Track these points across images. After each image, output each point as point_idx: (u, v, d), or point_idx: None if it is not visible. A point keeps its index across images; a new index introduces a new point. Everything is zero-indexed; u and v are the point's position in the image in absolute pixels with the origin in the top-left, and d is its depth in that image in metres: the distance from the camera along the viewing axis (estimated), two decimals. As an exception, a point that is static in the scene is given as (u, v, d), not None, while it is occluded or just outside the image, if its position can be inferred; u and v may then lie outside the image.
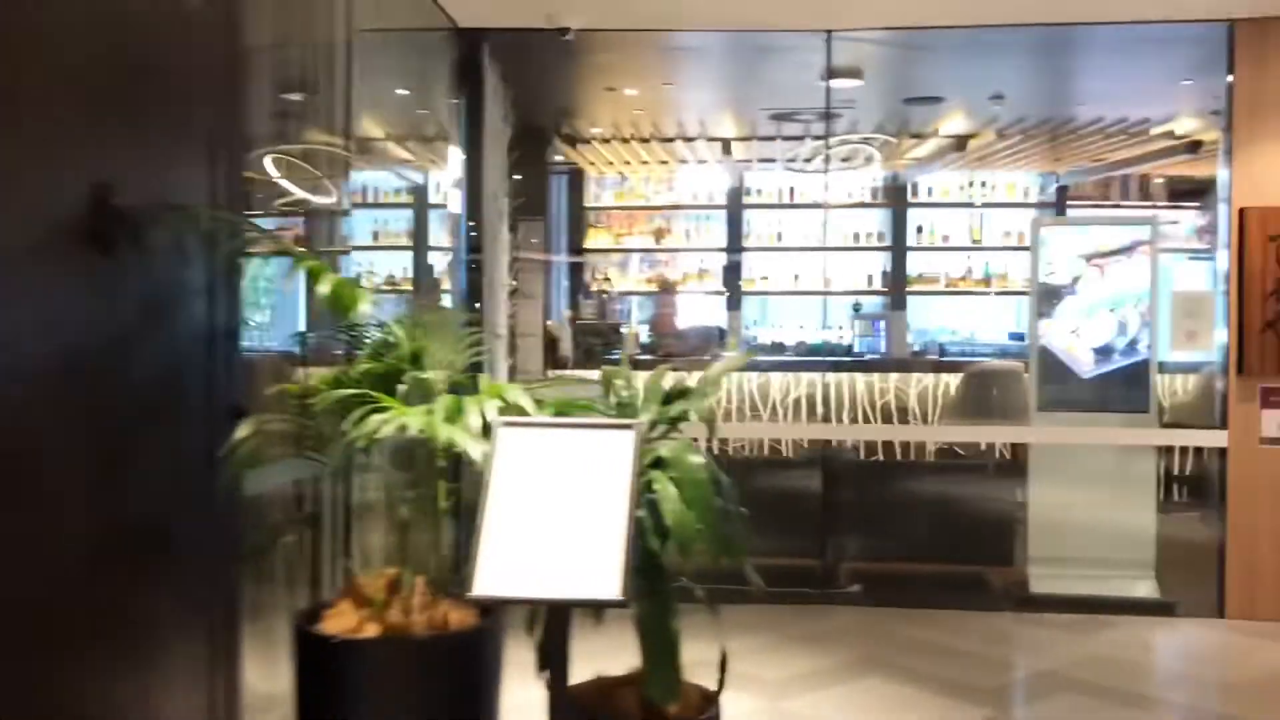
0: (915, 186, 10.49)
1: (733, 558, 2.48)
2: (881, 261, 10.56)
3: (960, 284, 10.50)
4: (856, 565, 5.95)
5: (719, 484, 2.53)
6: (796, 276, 10.59)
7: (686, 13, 5.50)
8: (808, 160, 8.07)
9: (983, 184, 10.49)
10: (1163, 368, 7.76)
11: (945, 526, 6.02)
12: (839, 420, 8.03)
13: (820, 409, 8.10)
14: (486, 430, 2.40)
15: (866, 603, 5.79)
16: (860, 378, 8.21)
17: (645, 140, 8.79)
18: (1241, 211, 5.33)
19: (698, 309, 10.72)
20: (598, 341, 8.50)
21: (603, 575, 2.15)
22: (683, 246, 10.71)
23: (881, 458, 7.88)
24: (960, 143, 8.60)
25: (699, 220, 10.68)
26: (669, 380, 2.80)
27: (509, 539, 2.24)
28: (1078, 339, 5.69)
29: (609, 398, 2.78)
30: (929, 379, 8.23)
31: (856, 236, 10.56)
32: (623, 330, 8.57)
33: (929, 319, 10.69)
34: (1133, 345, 5.64)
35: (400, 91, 7.55)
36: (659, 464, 2.44)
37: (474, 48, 5.85)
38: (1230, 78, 5.44)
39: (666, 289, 8.57)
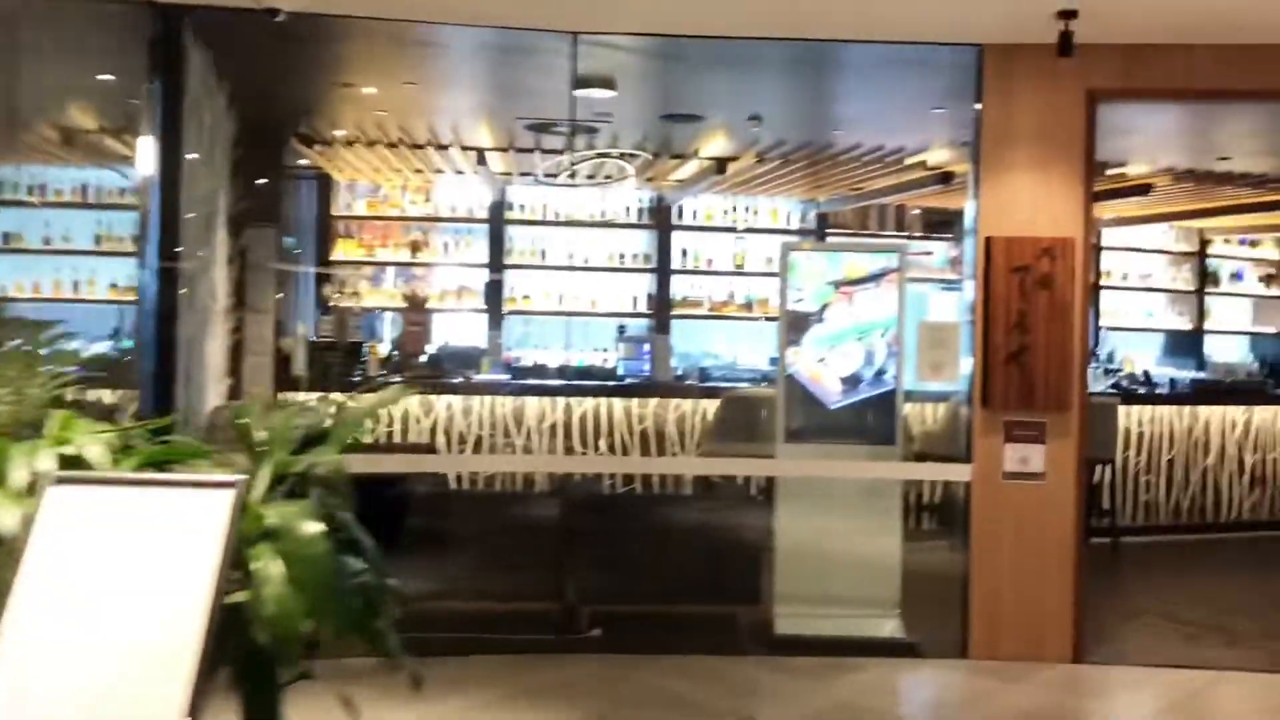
0: (680, 209, 10.28)
1: (370, 640, 1.96)
2: (647, 284, 10.29)
3: (724, 309, 10.34)
4: (599, 607, 5.51)
5: (358, 549, 2.00)
6: (560, 297, 10.17)
7: (418, 1, 4.97)
8: (553, 175, 7.66)
9: (746, 209, 10.39)
10: (917, 396, 7.79)
11: (694, 563, 5.68)
12: (595, 448, 7.64)
13: (578, 435, 7.70)
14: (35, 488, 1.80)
15: (608, 649, 5.37)
16: (619, 403, 7.85)
17: (394, 145, 8.17)
18: (987, 241, 5.23)
19: (456, 328, 10.15)
20: (336, 361, 7.80)
21: (163, 694, 1.59)
22: (441, 261, 10.12)
23: (639, 488, 7.54)
24: (720, 165, 8.38)
25: (459, 234, 10.12)
26: (307, 418, 2.25)
27: (40, 644, 1.65)
28: (825, 368, 5.47)
29: (244, 441, 2.21)
30: (688, 405, 7.96)
31: (622, 257, 10.25)
32: (365, 349, 7.89)
33: (694, 343, 10.49)
34: (880, 375, 5.47)
35: (104, 77, 6.71)
36: (269, 534, 1.89)
37: (173, 26, 5.12)
38: (978, 105, 5.34)
39: (415, 305, 7.97)
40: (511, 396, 7.75)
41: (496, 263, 10.02)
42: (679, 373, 8.76)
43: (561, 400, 7.69)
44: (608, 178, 7.86)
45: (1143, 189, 8.71)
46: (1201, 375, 9.98)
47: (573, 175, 7.26)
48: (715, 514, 6.19)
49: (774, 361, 9.42)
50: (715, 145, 8.10)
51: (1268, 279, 11.98)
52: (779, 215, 10.44)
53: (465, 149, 8.20)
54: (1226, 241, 11.72)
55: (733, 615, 5.63)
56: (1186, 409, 8.72)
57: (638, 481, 7.61)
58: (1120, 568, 7.44)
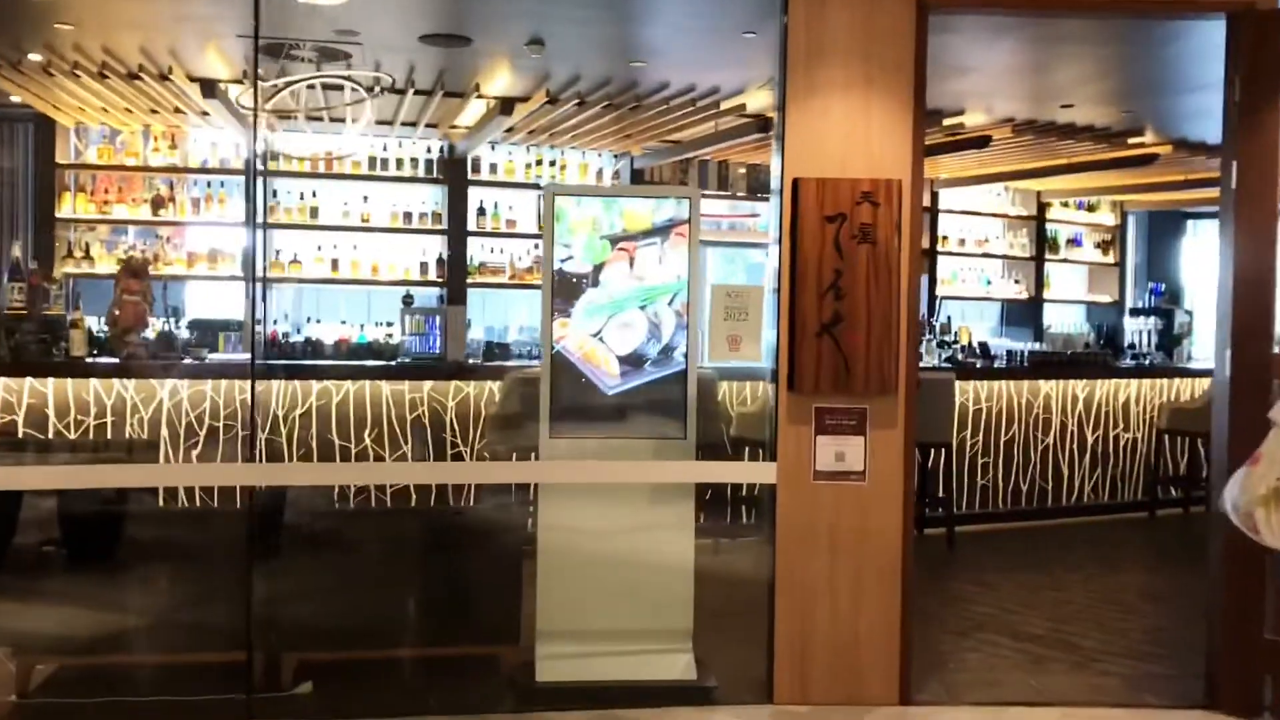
0: (476, 161, 9.02)
1: None
2: (438, 246, 9.00)
3: (528, 277, 9.13)
4: (310, 655, 4.29)
5: None
6: (335, 262, 8.80)
7: None
8: (316, 118, 6.36)
9: (552, 163, 9.20)
10: (736, 374, 6.77)
11: (443, 592, 4.50)
12: (359, 441, 6.37)
13: (338, 428, 6.41)
14: None
15: (320, 711, 4.16)
16: (390, 387, 6.59)
17: (104, 76, 6.68)
18: (795, 184, 4.17)
19: (209, 298, 8.68)
20: (31, 339, 6.30)
21: None
22: (191, 220, 8.62)
23: (388, 498, 6.32)
24: (507, 105, 7.17)
25: (212, 188, 8.63)
26: None
27: None
28: (601, 344, 4.34)
29: None
30: (472, 388, 6.76)
31: (408, 216, 8.94)
32: (69, 323, 6.40)
33: (496, 316, 9.29)
34: (668, 352, 4.37)
35: None
36: None
37: None
38: (785, 17, 4.27)
39: (133, 271, 6.51)
40: (268, 380, 6.42)
41: (257, 220, 8.56)
42: (474, 350, 7.55)
43: (320, 385, 6.40)
44: (358, 113, 6.55)
45: (981, 141, 7.88)
46: (1040, 347, 9.29)
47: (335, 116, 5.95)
48: (475, 526, 5.04)
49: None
50: (499, 81, 6.88)
51: (1104, 245, 11.46)
52: (589, 170, 9.29)
53: (194, 79, 6.76)
54: (1065, 205, 11.13)
55: (491, 658, 4.48)
56: (1025, 384, 7.99)
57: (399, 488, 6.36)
58: (955, 567, 6.60)
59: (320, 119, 6.94)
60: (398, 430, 6.57)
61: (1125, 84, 6.92)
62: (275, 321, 8.57)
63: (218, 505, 5.57)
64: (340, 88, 6.28)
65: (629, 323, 4.35)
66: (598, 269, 4.37)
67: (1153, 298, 11.46)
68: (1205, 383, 8.55)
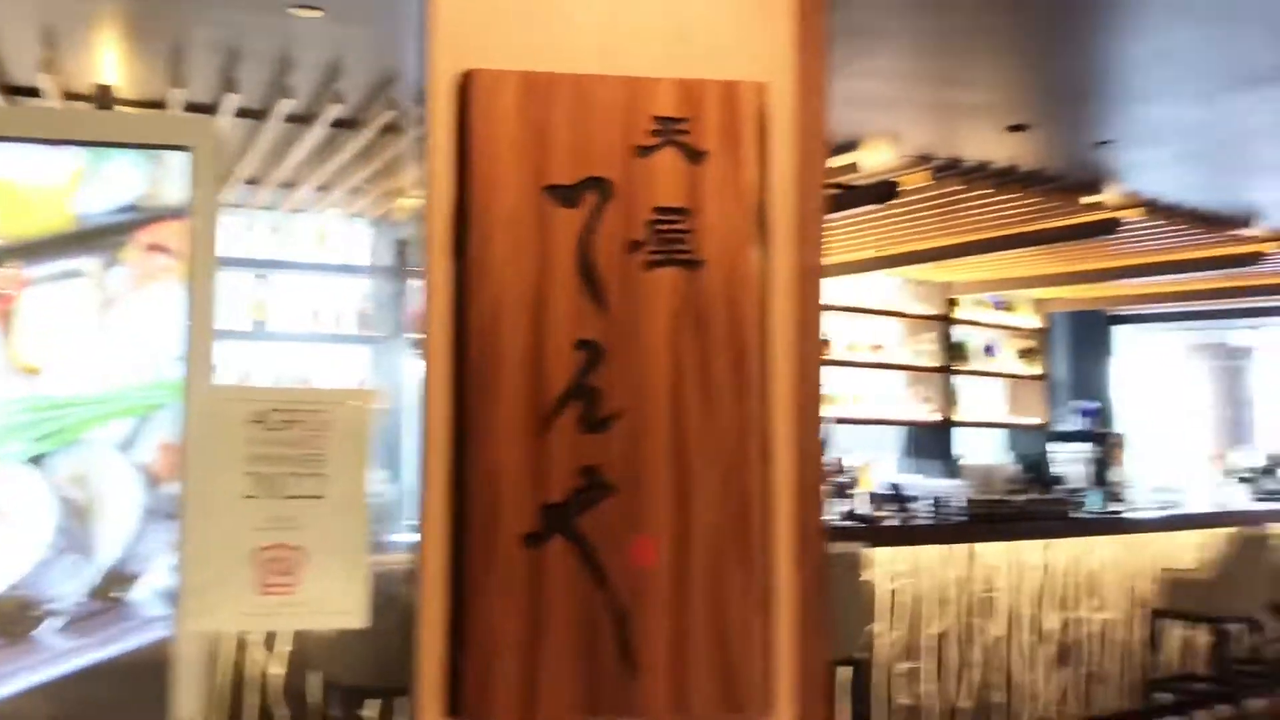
0: None
1: None
2: None
3: None
4: None
5: None
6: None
7: None
8: None
9: None
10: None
11: None
12: None
13: None
14: None
15: None
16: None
17: None
18: (466, 86, 1.44)
19: None
20: None
21: None
22: None
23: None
24: None
25: None
26: None
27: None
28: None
29: None
30: None
31: None
32: None
33: None
34: (122, 587, 1.53)
35: None
36: None
37: None
38: None
39: None
40: None
41: None
42: None
43: None
44: None
45: (882, 192, 5.39)
46: (959, 484, 6.72)
47: None
48: None
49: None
50: None
51: (1027, 353, 9.12)
52: None
53: None
54: (978, 303, 8.79)
55: None
56: (959, 548, 5.37)
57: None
58: None
59: None
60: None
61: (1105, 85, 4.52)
62: None
63: None
64: None
65: (13, 489, 1.52)
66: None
67: (1082, 419, 9.17)
68: (1200, 538, 6.05)
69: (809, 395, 1.50)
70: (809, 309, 1.46)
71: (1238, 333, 11.98)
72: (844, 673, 4.52)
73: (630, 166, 1.41)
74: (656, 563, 1.37)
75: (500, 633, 1.33)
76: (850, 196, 5.51)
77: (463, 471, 1.37)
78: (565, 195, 1.41)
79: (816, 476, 1.55)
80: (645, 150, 1.41)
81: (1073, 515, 5.93)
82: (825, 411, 5.39)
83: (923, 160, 5.25)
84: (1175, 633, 5.93)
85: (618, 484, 1.38)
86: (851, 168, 5.24)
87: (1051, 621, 5.60)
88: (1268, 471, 7.46)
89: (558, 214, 1.41)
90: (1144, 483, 7.30)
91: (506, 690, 1.34)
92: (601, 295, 1.40)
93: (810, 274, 1.45)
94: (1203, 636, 5.84)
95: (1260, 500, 7.05)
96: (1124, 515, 6.21)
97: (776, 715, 1.40)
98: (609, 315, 1.40)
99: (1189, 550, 5.99)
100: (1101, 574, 5.79)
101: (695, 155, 1.42)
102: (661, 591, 1.38)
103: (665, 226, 1.41)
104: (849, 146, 5.07)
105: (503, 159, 1.40)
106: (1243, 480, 7.40)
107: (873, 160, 5.23)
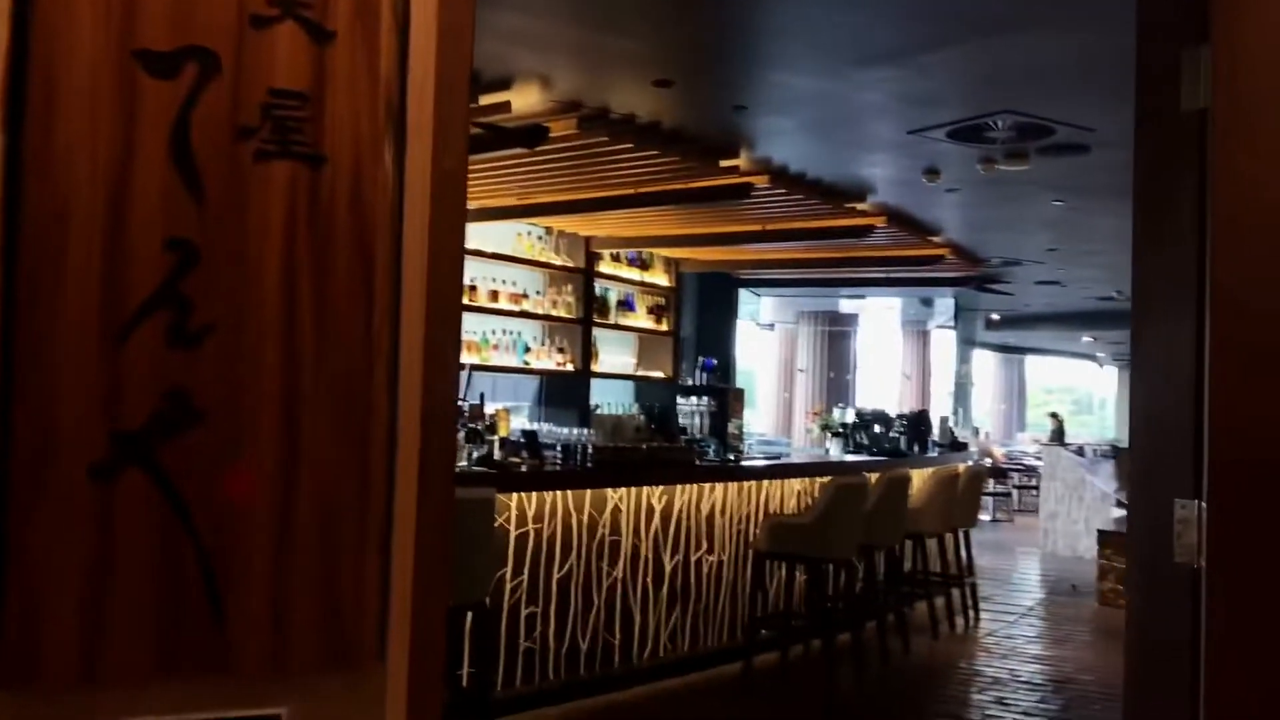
0: None
1: None
2: None
3: None
4: None
5: None
6: None
7: None
8: None
9: None
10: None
11: None
12: None
13: None
14: None
15: None
16: None
17: None
18: None
19: None
20: None
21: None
22: None
23: None
24: None
25: None
26: None
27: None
28: None
29: None
30: None
31: None
32: None
33: None
34: None
35: None
36: None
37: None
38: None
39: None
40: None
41: None
42: None
43: None
44: None
45: (530, 135, 5.31)
46: (591, 433, 6.86)
47: None
48: None
49: None
50: None
51: (658, 311, 9.47)
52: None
53: None
54: (616, 259, 8.99)
55: None
56: (589, 493, 5.46)
57: None
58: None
59: None
60: None
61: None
62: None
63: None
64: None
65: None
66: None
67: (704, 374, 9.67)
68: (800, 486, 6.57)
69: (445, 318, 1.37)
70: (449, 220, 1.32)
71: (845, 301, 13.11)
72: (469, 618, 4.47)
73: (243, 38, 1.20)
74: (255, 499, 1.19)
75: (54, 582, 1.10)
76: (498, 138, 5.38)
77: (9, 390, 1.12)
78: (160, 64, 1.18)
79: (448, 409, 1.42)
80: (262, 21, 1.21)
81: (693, 463, 6.21)
82: (464, 357, 5.22)
83: (572, 107, 5.23)
84: (779, 574, 6.38)
85: (211, 408, 1.18)
86: (505, 107, 5.13)
87: (669, 564, 5.83)
88: (859, 427, 8.20)
89: (149, 86, 1.17)
90: (757, 434, 7.81)
91: (60, 650, 1.11)
92: (200, 187, 1.19)
93: (452, 181, 1.31)
94: (802, 576, 6.31)
95: (852, 453, 7.78)
96: (737, 464, 6.58)
97: (388, 665, 1.27)
98: (208, 212, 1.19)
99: (792, 498, 6.49)
100: (715, 518, 6.11)
101: (322, 34, 1.24)
102: (261, 532, 1.20)
103: (282, 113, 1.22)
104: (499, 85, 4.95)
105: (79, 9, 1.15)
106: (836, 435, 8.09)
107: (521, 102, 5.15)
